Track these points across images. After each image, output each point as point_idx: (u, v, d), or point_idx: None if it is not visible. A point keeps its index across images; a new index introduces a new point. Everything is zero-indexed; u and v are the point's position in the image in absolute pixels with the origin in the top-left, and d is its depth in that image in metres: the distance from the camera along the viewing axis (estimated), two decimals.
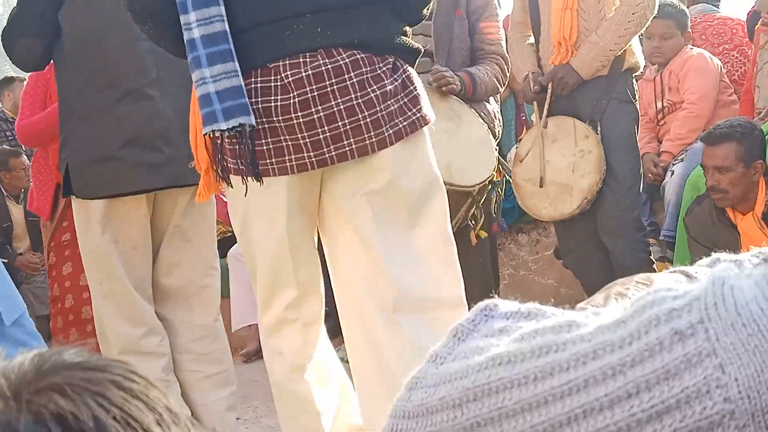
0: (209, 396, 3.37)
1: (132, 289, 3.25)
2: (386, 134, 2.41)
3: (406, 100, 2.46)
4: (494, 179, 4.14)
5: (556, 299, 4.93)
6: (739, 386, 0.71)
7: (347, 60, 2.36)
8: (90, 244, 3.28)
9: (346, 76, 2.35)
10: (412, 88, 2.50)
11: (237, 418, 3.57)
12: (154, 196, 3.28)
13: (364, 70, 2.38)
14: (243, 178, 2.45)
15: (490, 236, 4.35)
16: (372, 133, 2.39)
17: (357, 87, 2.36)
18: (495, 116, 4.47)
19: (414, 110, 2.47)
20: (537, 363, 0.80)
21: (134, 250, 3.25)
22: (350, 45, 2.37)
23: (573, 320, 0.83)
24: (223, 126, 2.30)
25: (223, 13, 2.30)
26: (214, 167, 2.47)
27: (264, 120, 2.37)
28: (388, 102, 2.41)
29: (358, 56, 2.38)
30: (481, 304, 0.99)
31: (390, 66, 2.44)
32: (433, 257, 2.55)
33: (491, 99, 4.49)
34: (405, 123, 2.43)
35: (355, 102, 2.36)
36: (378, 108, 2.38)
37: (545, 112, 4.13)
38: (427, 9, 2.55)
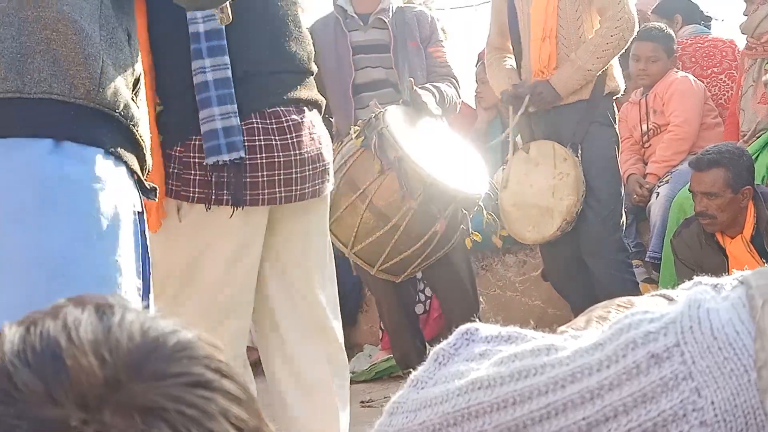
0: None
1: None
2: (325, 183, 2.77)
3: (328, 155, 2.84)
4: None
5: (543, 320, 4.93)
6: (716, 410, 0.71)
7: (312, 115, 2.74)
8: None
9: (315, 128, 2.74)
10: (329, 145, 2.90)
11: None
12: None
13: (318, 125, 2.77)
14: (208, 206, 2.64)
15: (466, 257, 4.39)
16: (320, 180, 2.74)
17: (317, 138, 2.74)
18: None
19: (330, 166, 2.84)
20: (516, 387, 0.80)
21: None
22: (311, 102, 2.76)
23: (552, 344, 0.83)
24: (226, 157, 2.57)
25: (229, 62, 2.61)
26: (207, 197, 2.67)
27: (264, 155, 2.62)
28: (329, 155, 2.80)
29: (314, 111, 2.77)
30: (462, 328, 0.99)
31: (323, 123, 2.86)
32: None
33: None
34: (329, 176, 2.80)
35: (316, 151, 2.73)
36: (326, 159, 2.77)
37: (516, 118, 4.16)
38: None
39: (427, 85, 4.27)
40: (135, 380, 0.58)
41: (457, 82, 4.50)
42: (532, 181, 4.16)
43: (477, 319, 1.08)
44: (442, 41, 4.57)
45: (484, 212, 4.19)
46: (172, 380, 0.59)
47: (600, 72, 4.05)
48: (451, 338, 0.98)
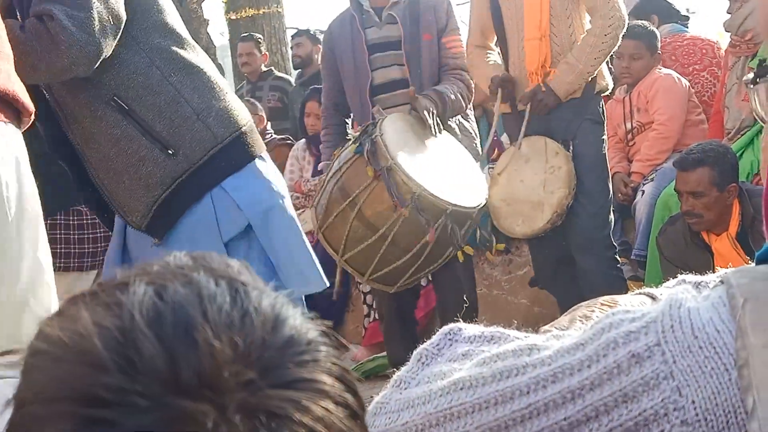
0: None
1: None
2: None
3: None
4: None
5: (529, 318, 4.93)
6: (696, 409, 0.71)
7: None
8: None
9: None
10: None
11: None
12: None
13: None
14: None
15: (465, 259, 4.37)
16: None
17: None
18: (475, 134, 4.51)
19: None
20: (498, 387, 0.80)
21: None
22: None
23: (534, 344, 0.83)
24: None
25: None
26: None
27: None
28: None
29: None
30: (445, 328, 0.99)
31: None
32: None
33: (470, 117, 4.53)
34: None
35: None
36: None
37: (522, 132, 4.13)
38: None
39: (429, 92, 4.19)
40: (265, 381, 0.56)
41: (470, 77, 4.41)
42: (523, 177, 4.15)
43: (461, 319, 1.07)
44: (458, 29, 4.40)
45: (479, 229, 4.17)
46: (301, 387, 0.58)
47: (594, 74, 4.06)
48: (434, 338, 0.98)
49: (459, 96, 4.27)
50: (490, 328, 0.96)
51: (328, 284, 2.75)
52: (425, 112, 4.06)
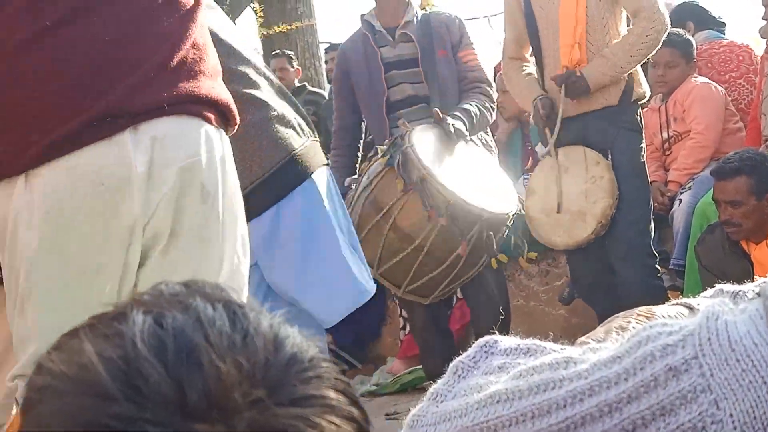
0: None
1: None
2: None
3: None
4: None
5: (567, 330, 4.91)
6: (734, 422, 0.70)
7: None
8: None
9: None
10: None
11: None
12: None
13: None
14: None
15: (497, 269, 4.36)
16: None
17: None
18: (492, 147, 4.54)
19: None
20: (534, 400, 0.80)
21: None
22: None
23: (570, 357, 0.83)
24: None
25: None
26: None
27: None
28: None
29: None
30: (481, 341, 0.99)
31: None
32: None
33: (487, 130, 4.56)
34: None
35: None
36: None
37: (555, 136, 4.11)
38: None
39: (456, 112, 4.21)
40: (273, 399, 0.56)
41: (489, 87, 4.42)
42: (562, 187, 4.14)
43: (496, 331, 1.07)
44: (472, 44, 4.46)
45: (513, 236, 4.17)
46: (308, 404, 0.58)
47: (628, 72, 4.03)
48: (470, 351, 0.98)
49: (483, 110, 4.30)
50: (526, 341, 0.96)
51: (373, 291, 2.97)
52: (451, 127, 4.07)
